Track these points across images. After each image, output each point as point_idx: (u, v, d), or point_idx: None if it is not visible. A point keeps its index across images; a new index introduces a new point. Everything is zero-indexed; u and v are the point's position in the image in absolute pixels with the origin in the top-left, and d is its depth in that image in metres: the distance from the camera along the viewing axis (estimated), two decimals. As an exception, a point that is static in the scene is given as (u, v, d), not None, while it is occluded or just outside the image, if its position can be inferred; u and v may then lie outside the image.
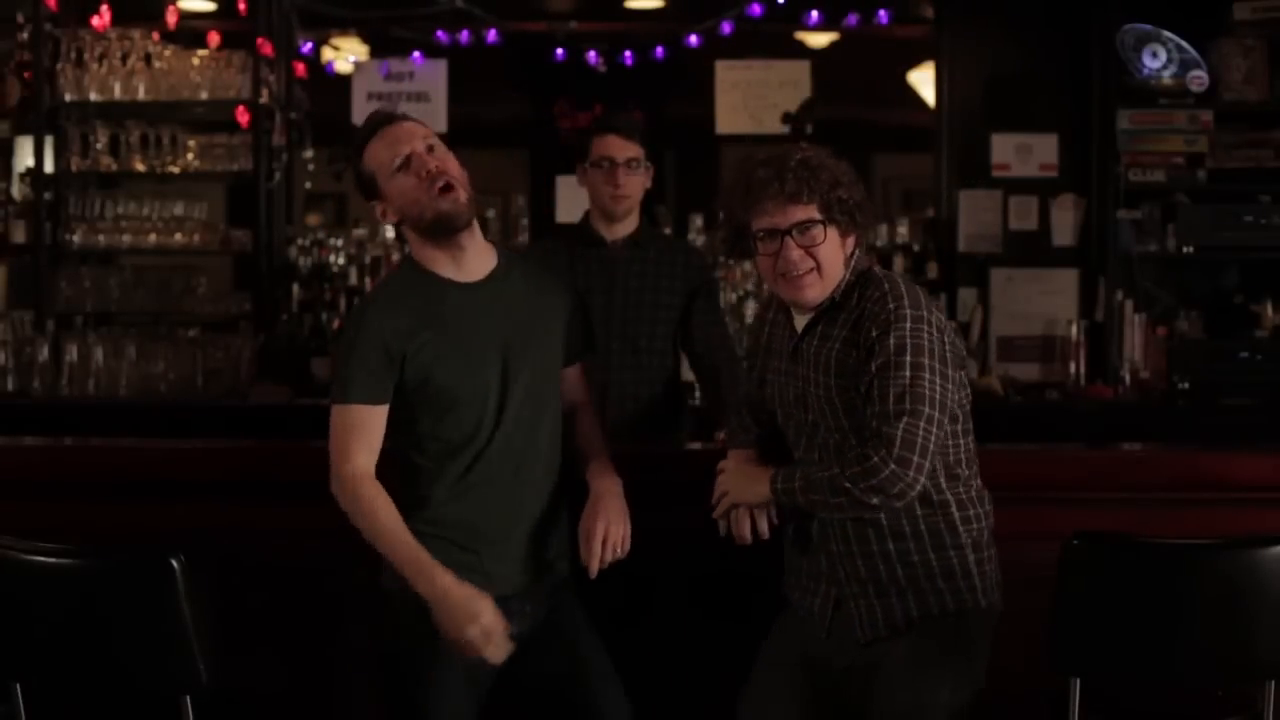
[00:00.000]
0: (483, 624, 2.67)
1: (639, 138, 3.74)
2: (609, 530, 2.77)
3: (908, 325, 2.59)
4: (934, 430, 2.57)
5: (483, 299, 2.81)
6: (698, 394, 4.25)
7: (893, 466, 2.53)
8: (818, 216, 2.64)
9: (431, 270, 2.81)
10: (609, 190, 3.70)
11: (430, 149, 2.77)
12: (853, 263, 2.72)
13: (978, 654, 2.74)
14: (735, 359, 3.90)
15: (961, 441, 2.73)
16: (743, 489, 2.80)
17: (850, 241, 2.71)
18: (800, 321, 2.75)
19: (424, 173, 2.74)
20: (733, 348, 3.94)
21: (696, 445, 3.76)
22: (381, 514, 2.72)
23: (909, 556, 2.69)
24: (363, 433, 2.74)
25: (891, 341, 2.58)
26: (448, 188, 2.73)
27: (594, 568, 2.76)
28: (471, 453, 2.78)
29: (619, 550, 2.78)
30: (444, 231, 2.76)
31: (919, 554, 2.69)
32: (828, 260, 2.66)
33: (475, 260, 2.82)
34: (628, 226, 3.78)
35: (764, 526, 2.80)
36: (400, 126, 2.80)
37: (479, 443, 2.78)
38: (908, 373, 2.56)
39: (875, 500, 2.56)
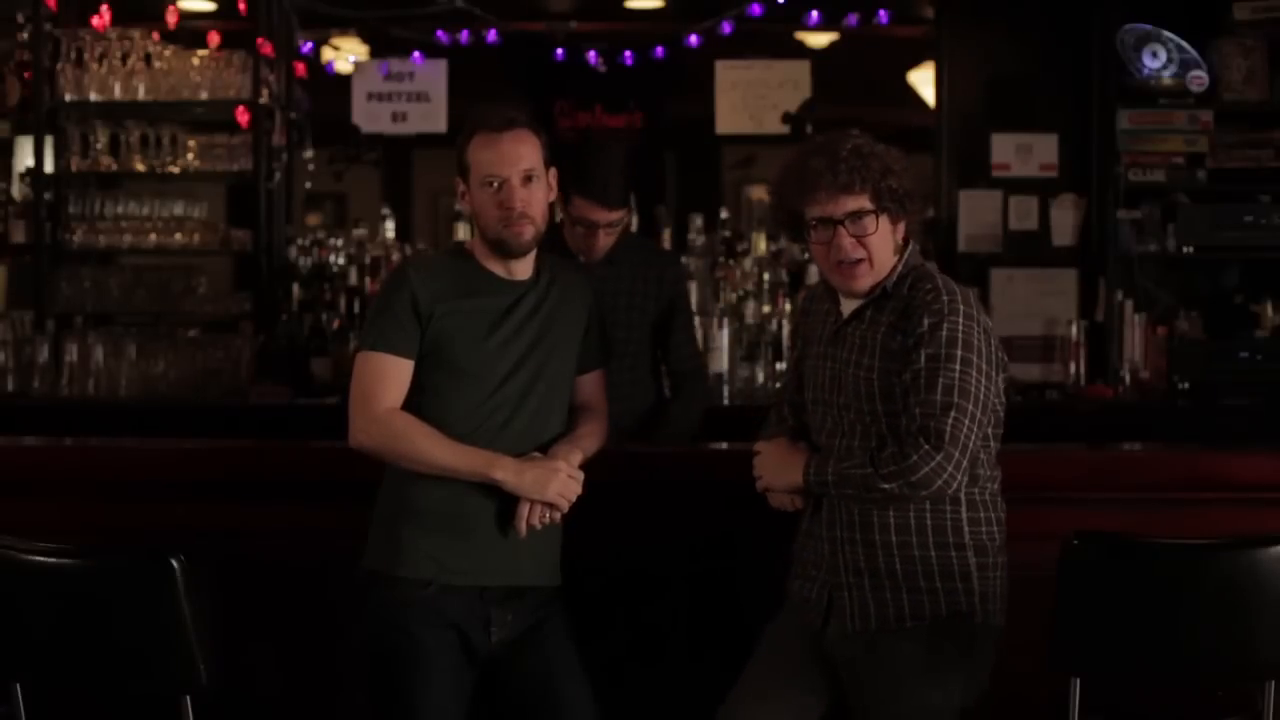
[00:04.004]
0: (563, 472, 2.79)
1: (624, 202, 3.65)
2: (533, 505, 2.81)
3: (960, 321, 2.65)
4: (975, 429, 2.62)
5: (516, 297, 2.89)
6: None
7: (937, 460, 2.57)
8: (869, 206, 2.71)
9: (477, 259, 2.91)
10: (586, 244, 3.64)
11: (527, 179, 2.84)
12: (906, 254, 2.79)
13: (980, 666, 2.74)
14: (700, 374, 4.00)
15: (991, 445, 2.75)
16: (777, 474, 2.82)
17: (901, 228, 2.78)
18: (848, 306, 2.81)
19: (507, 206, 2.82)
20: (700, 362, 4.07)
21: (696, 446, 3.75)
22: (419, 434, 2.79)
23: (909, 550, 2.69)
24: (389, 380, 2.82)
25: (944, 334, 2.63)
26: (521, 224, 2.83)
27: (519, 527, 2.80)
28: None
29: (547, 521, 2.82)
30: (500, 252, 2.88)
31: (920, 549, 2.69)
32: (879, 249, 2.73)
33: (519, 266, 2.91)
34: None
35: (799, 502, 2.83)
36: (510, 145, 2.85)
37: (483, 440, 2.81)
38: (958, 367, 2.61)
39: (913, 495, 2.62)
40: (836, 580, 2.74)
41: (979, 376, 2.63)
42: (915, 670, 2.68)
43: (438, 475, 2.80)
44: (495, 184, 2.83)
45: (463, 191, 2.90)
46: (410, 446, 2.79)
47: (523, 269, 2.91)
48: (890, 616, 2.70)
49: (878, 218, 2.71)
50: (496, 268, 2.90)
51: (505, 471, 2.78)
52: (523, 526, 2.80)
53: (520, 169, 2.83)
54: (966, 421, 2.60)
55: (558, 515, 2.83)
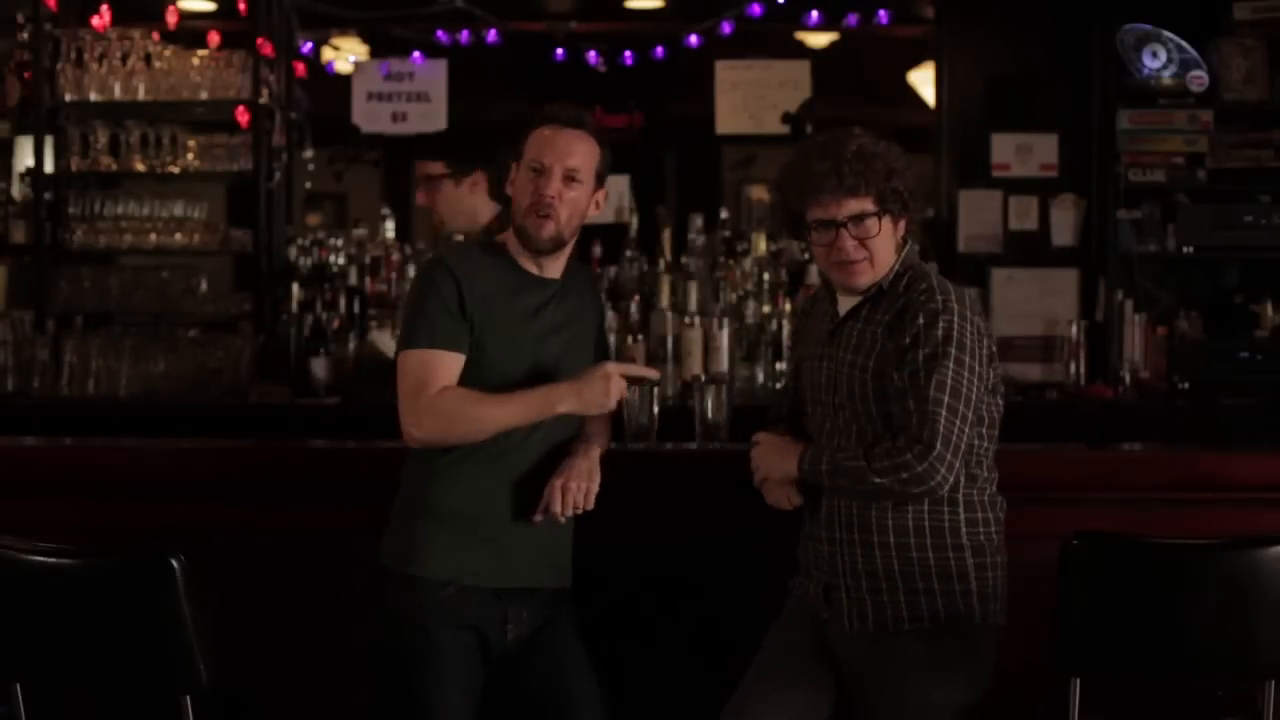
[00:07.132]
0: (614, 375, 2.79)
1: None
2: (568, 484, 2.79)
3: (954, 320, 2.65)
4: (966, 429, 2.63)
5: (547, 296, 2.88)
6: None
7: (929, 460, 2.59)
8: (872, 209, 2.70)
9: (510, 254, 2.89)
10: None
11: (570, 178, 2.81)
12: (904, 253, 2.79)
13: (982, 664, 2.74)
14: None
15: (986, 445, 2.75)
16: (773, 464, 2.84)
17: (901, 225, 2.78)
18: (845, 305, 2.80)
19: (540, 193, 2.80)
20: None
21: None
22: (472, 403, 2.75)
23: (908, 552, 2.70)
24: (438, 374, 2.76)
25: (939, 332, 2.63)
26: (545, 215, 2.80)
27: (554, 509, 2.77)
28: (496, 450, 2.80)
29: (581, 503, 2.79)
30: (522, 241, 2.85)
31: (918, 551, 2.70)
32: (880, 249, 2.73)
33: (550, 264, 2.90)
34: None
35: (795, 499, 2.84)
36: (567, 141, 2.84)
37: (511, 440, 2.80)
38: (950, 366, 2.62)
39: (904, 492, 2.62)
40: (835, 581, 2.75)
41: (971, 377, 2.64)
42: (918, 669, 2.69)
43: (469, 485, 2.79)
44: (537, 168, 2.82)
45: (512, 178, 2.89)
46: (467, 422, 2.75)
47: (553, 268, 2.90)
48: (888, 618, 2.71)
49: (880, 220, 2.70)
50: (529, 265, 2.88)
51: (566, 401, 2.78)
52: (549, 512, 2.77)
53: (566, 163, 2.82)
54: (958, 422, 2.61)
55: (591, 500, 2.80)
